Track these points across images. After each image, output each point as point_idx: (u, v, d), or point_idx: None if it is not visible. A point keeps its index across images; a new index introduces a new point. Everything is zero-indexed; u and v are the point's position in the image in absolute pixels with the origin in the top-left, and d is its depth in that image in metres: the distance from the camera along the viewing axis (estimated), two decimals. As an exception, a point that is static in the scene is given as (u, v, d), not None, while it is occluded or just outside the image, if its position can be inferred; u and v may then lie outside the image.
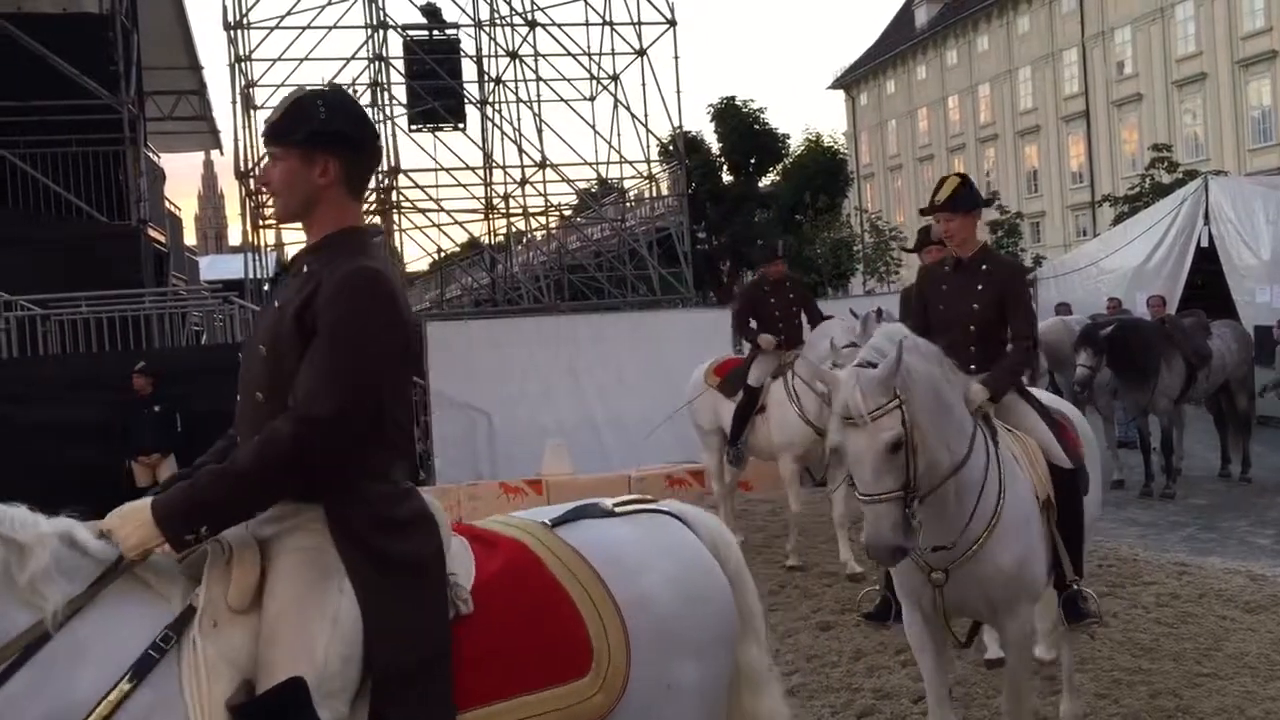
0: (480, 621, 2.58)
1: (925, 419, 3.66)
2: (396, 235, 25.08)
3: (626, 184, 27.86)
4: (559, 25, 25.08)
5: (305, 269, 2.63)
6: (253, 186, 23.08)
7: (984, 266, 4.69)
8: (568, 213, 28.65)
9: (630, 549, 2.83)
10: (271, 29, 23.35)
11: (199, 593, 2.43)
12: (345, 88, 24.17)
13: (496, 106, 25.34)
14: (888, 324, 4.08)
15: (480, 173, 24.96)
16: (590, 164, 25.92)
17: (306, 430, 2.41)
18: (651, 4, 24.92)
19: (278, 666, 2.34)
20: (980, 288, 4.63)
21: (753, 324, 9.05)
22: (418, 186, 23.88)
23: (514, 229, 27.76)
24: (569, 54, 25.28)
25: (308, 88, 2.73)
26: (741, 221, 36.84)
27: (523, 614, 2.63)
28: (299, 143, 2.59)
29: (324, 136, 2.59)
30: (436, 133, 26.22)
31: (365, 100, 23.98)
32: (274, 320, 2.59)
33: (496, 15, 24.96)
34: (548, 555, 2.74)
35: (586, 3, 25.13)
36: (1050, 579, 4.38)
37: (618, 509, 2.97)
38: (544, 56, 25.40)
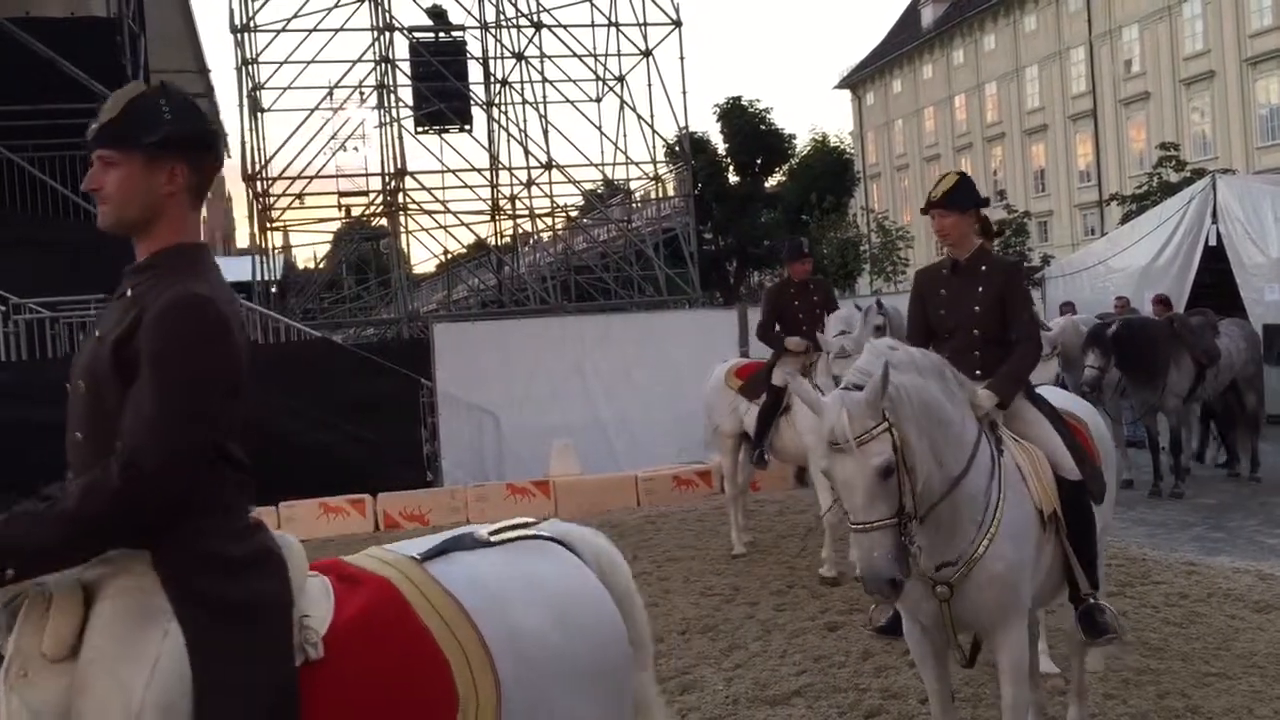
0: (332, 669, 2.35)
1: (916, 438, 3.57)
2: (403, 237, 25.16)
3: (632, 185, 27.95)
4: (565, 27, 25.15)
5: (129, 293, 2.39)
6: (260, 189, 23.13)
7: (982, 267, 4.60)
8: (574, 214, 28.70)
9: (503, 581, 2.63)
10: (278, 32, 23.44)
11: (11, 639, 2.23)
12: (351, 90, 24.28)
13: (502, 108, 25.40)
14: (876, 339, 3.93)
15: (486, 174, 25.02)
16: (596, 165, 26.00)
17: (132, 480, 2.19)
18: (657, 5, 24.99)
19: (86, 717, 2.15)
20: (980, 289, 4.54)
21: (777, 328, 8.90)
22: (424, 189, 23.93)
23: (520, 230, 27.81)
24: (575, 55, 25.36)
25: (138, 84, 2.51)
26: (748, 222, 36.89)
27: (381, 661, 2.41)
28: (148, 147, 2.39)
29: (175, 140, 2.40)
30: (443, 135, 26.34)
31: (372, 102, 24.11)
32: (93, 353, 2.35)
33: (502, 17, 25.03)
34: (414, 594, 2.53)
35: (592, 4, 25.19)
36: (1064, 593, 4.33)
37: (493, 538, 2.77)
38: (550, 58, 25.48)
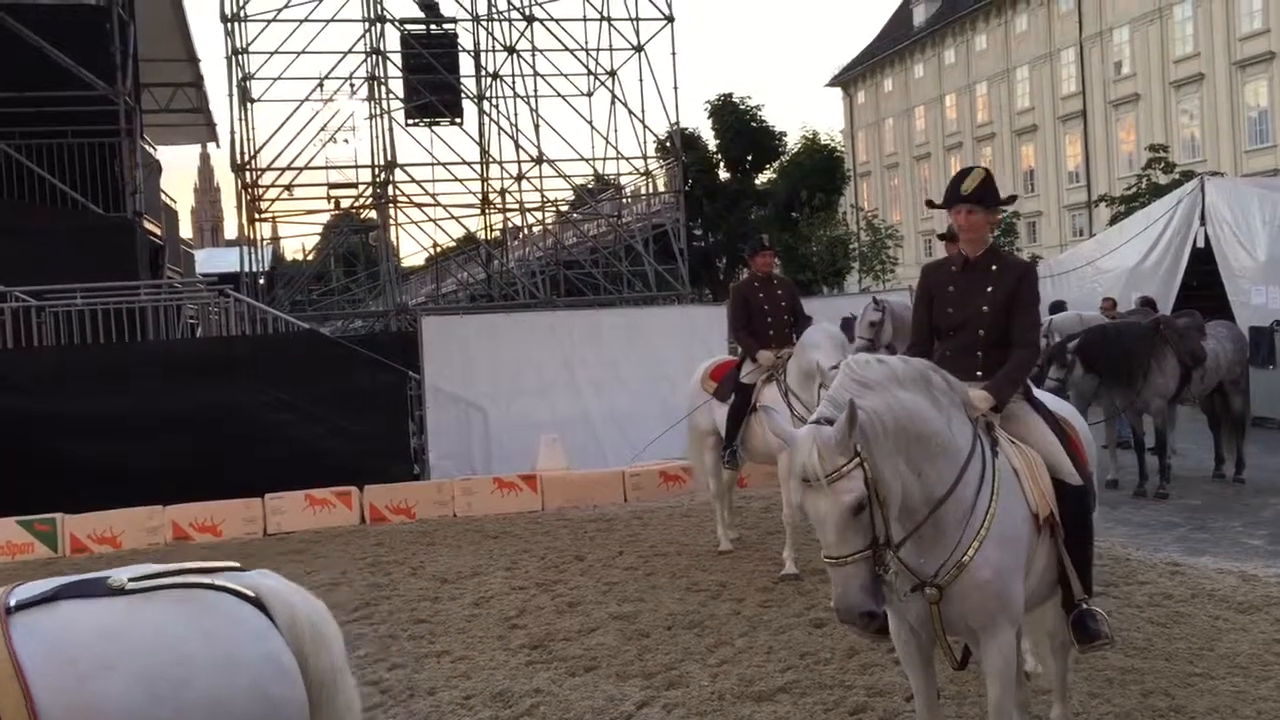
0: None
1: (890, 467, 3.53)
2: (392, 229, 25.09)
3: (623, 180, 27.89)
4: (557, 20, 25.09)
5: None
6: (249, 179, 23.04)
7: (993, 266, 4.46)
8: (564, 208, 28.65)
9: (97, 643, 2.24)
10: (269, 22, 23.32)
11: None
12: (341, 81, 24.19)
13: (493, 102, 25.37)
14: (851, 359, 3.84)
15: (477, 168, 24.98)
16: (587, 160, 25.94)
17: None
18: (649, 0, 24.92)
19: None
20: (990, 289, 4.41)
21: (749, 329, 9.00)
22: (414, 181, 23.86)
23: (510, 224, 27.76)
24: (566, 49, 25.29)
25: None
26: (737, 218, 36.88)
27: None
28: None
29: None
30: (433, 127, 26.22)
31: (362, 94, 24.03)
32: None
33: (494, 10, 24.95)
34: None
35: (584, -2, 25.11)
36: (1056, 597, 4.31)
37: (131, 584, 2.35)
38: (541, 52, 25.43)
